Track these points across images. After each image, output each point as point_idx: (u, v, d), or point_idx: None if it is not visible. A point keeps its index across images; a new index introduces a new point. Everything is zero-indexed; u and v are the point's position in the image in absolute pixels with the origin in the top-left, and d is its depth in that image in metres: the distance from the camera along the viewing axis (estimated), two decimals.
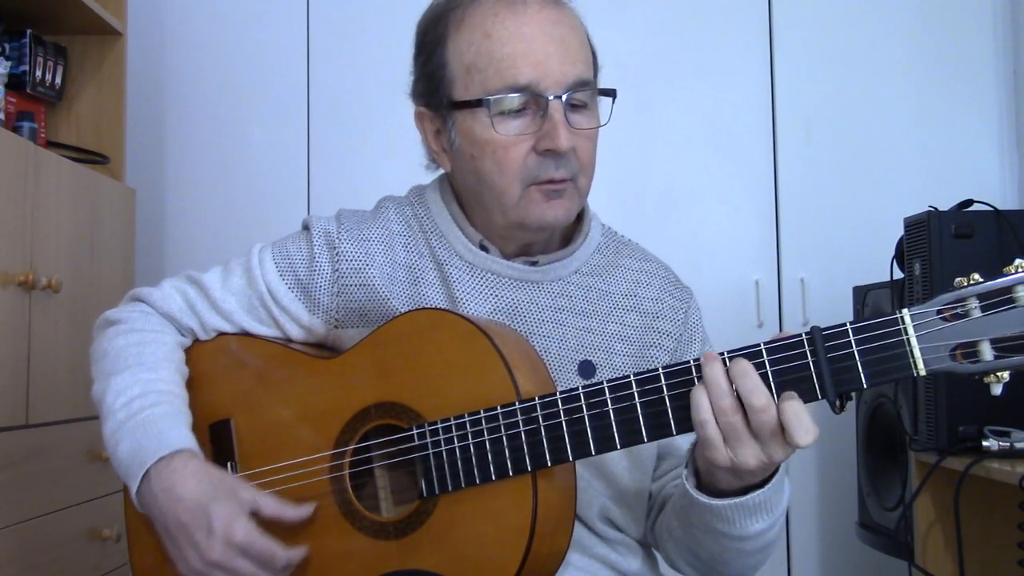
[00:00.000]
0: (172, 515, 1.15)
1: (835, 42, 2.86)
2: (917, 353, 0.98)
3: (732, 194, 2.86)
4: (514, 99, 1.19)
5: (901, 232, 2.07)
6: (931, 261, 1.93)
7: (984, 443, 1.87)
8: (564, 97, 1.18)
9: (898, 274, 2.10)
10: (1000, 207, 1.97)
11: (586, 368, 1.25)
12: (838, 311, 2.62)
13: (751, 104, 2.86)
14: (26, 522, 1.98)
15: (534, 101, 1.19)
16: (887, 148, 2.83)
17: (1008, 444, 1.86)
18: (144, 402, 1.21)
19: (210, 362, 1.31)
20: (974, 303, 0.96)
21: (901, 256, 2.08)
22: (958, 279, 0.98)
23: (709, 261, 2.80)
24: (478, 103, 1.20)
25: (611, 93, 1.23)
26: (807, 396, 1.01)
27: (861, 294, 2.38)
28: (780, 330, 2.81)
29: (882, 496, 2.27)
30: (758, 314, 2.81)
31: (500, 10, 1.20)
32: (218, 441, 1.25)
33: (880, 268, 2.17)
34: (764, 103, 2.86)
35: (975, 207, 1.99)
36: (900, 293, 2.07)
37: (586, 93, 1.21)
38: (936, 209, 1.96)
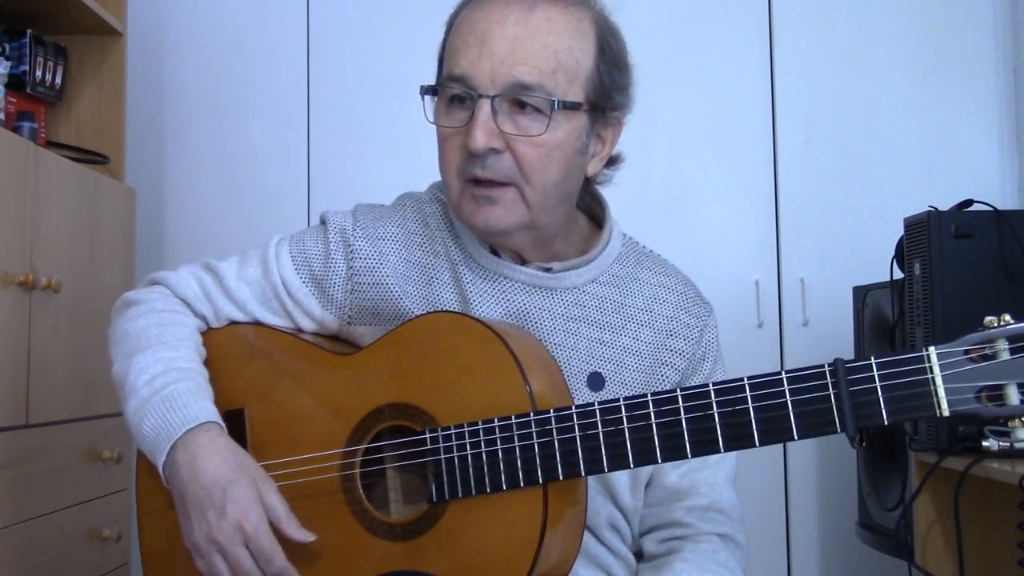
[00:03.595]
0: (190, 487, 1.15)
1: (835, 42, 2.86)
2: (941, 393, 0.97)
3: (732, 194, 2.85)
4: (448, 89, 1.19)
5: (901, 232, 2.07)
6: (931, 261, 1.93)
7: (984, 443, 1.86)
8: (492, 96, 1.16)
9: (898, 274, 2.10)
10: (1000, 207, 1.97)
11: (595, 380, 1.25)
12: (838, 311, 2.62)
13: (751, 104, 2.86)
14: (26, 522, 1.98)
15: (469, 96, 1.18)
16: (887, 148, 2.83)
17: (1008, 444, 1.85)
18: (167, 379, 1.21)
19: (224, 350, 1.31)
20: (1003, 345, 0.95)
21: (901, 256, 2.08)
22: (988, 318, 0.96)
23: (709, 261, 2.79)
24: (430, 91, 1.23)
25: (559, 105, 1.17)
26: (826, 429, 1.00)
27: (861, 294, 2.38)
28: (780, 330, 2.81)
29: (882, 496, 2.26)
30: (758, 314, 2.81)
31: (477, 3, 1.21)
32: (231, 430, 1.25)
33: (880, 268, 2.17)
34: (764, 103, 2.86)
35: (975, 207, 1.99)
36: (900, 293, 2.07)
37: (535, 99, 1.16)
38: (936, 209, 1.96)
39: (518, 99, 1.17)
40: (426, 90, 1.23)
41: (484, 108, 1.16)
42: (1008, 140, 2.83)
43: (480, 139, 1.16)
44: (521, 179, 1.18)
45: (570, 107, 1.19)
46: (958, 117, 2.84)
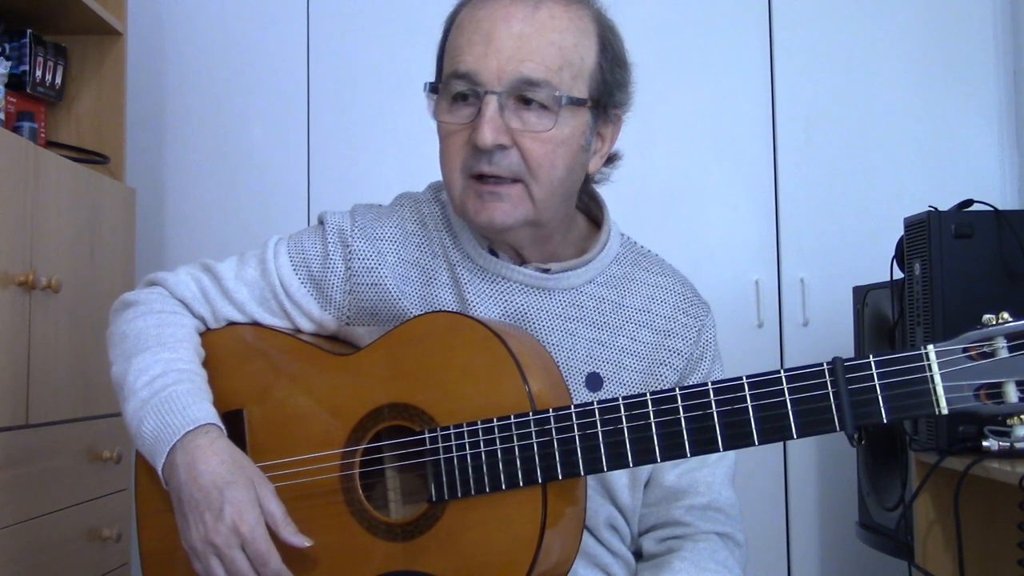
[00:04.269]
0: (188, 488, 1.15)
1: (835, 42, 2.86)
2: (940, 391, 0.97)
3: (732, 194, 2.86)
4: (453, 86, 1.19)
5: (901, 232, 2.07)
6: (931, 261, 1.93)
7: (984, 443, 1.85)
8: (499, 93, 1.16)
9: (898, 274, 2.10)
10: (1000, 207, 1.97)
11: (593, 380, 1.25)
12: (838, 311, 2.62)
13: (751, 104, 2.86)
14: (26, 522, 1.98)
15: (475, 93, 1.18)
16: (887, 148, 2.83)
17: (1008, 444, 1.85)
18: (167, 380, 1.21)
19: (222, 350, 1.31)
20: (1002, 343, 0.95)
21: (901, 256, 2.08)
22: (987, 316, 0.96)
23: (709, 261, 2.80)
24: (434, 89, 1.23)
25: (566, 100, 1.17)
26: (825, 427, 1.00)
27: (861, 294, 2.38)
28: (780, 330, 2.81)
29: (882, 496, 2.26)
30: (758, 314, 2.81)
31: (479, 1, 1.21)
32: (230, 431, 1.25)
33: (880, 268, 2.17)
34: (764, 103, 2.86)
35: (975, 207, 1.99)
36: (900, 293, 2.07)
37: (542, 95, 1.17)
38: (936, 209, 1.96)
39: (524, 96, 1.17)
40: (430, 88, 1.23)
41: (491, 104, 1.16)
42: (1008, 140, 2.83)
43: (488, 135, 1.16)
44: (528, 175, 1.19)
45: (576, 103, 1.19)
46: (958, 117, 2.84)
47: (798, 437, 1.02)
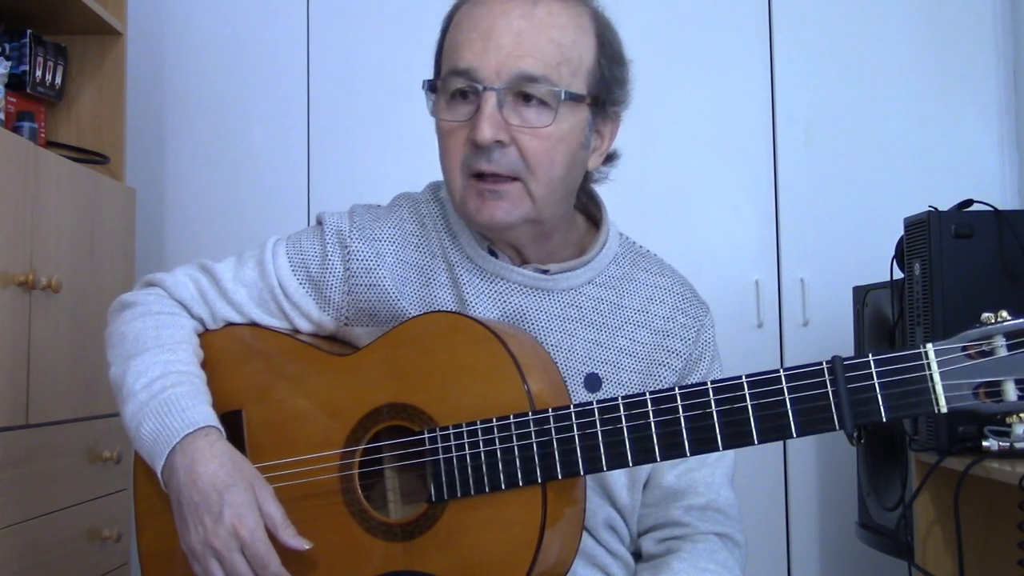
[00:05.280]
0: (187, 491, 1.15)
1: (835, 42, 2.86)
2: (939, 390, 0.97)
3: (732, 194, 2.86)
4: (452, 83, 1.19)
5: (901, 232, 2.07)
6: (931, 261, 1.93)
7: (984, 443, 1.85)
8: (498, 89, 1.16)
9: (898, 274, 2.10)
10: (1000, 207, 1.96)
11: (592, 381, 1.24)
12: (838, 311, 2.62)
13: (751, 104, 2.86)
14: (26, 522, 1.98)
15: (474, 90, 1.18)
16: (887, 148, 2.83)
17: (1008, 444, 1.85)
18: (166, 382, 1.21)
19: (221, 351, 1.30)
20: (1000, 341, 0.95)
21: (901, 256, 2.08)
22: (986, 315, 0.96)
23: (709, 261, 2.80)
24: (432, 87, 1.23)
25: (565, 96, 1.17)
26: (824, 426, 1.00)
27: (861, 294, 2.38)
28: (780, 330, 2.81)
29: (882, 496, 2.26)
30: (758, 314, 2.81)
31: (479, 1, 1.21)
32: (229, 431, 1.25)
33: (880, 268, 2.17)
34: (764, 103, 2.86)
35: (975, 207, 1.99)
36: (900, 293, 2.07)
37: (541, 90, 1.17)
38: (936, 209, 1.96)
39: (523, 92, 1.17)
40: (429, 86, 1.23)
41: (490, 100, 1.16)
42: (1008, 140, 2.83)
43: (487, 131, 1.15)
44: (527, 173, 1.18)
45: (574, 99, 1.19)
46: (958, 117, 2.84)
47: (798, 436, 1.02)
